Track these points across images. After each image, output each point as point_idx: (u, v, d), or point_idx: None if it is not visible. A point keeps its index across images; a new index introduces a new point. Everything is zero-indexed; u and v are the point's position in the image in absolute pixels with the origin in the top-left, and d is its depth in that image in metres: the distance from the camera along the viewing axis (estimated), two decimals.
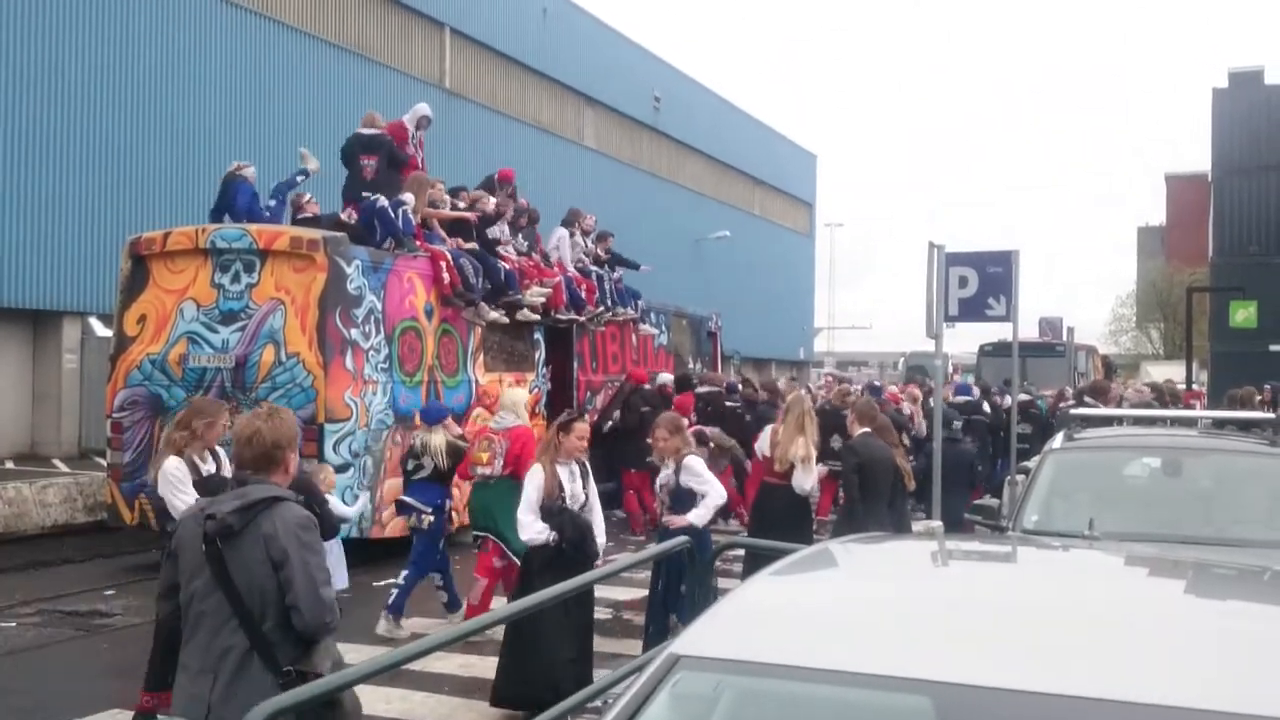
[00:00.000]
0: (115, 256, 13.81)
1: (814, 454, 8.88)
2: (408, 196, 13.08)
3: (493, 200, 14.64)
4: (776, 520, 8.80)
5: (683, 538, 6.35)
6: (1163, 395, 15.56)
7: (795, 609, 2.94)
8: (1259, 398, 15.61)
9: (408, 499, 9.32)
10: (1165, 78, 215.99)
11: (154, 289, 11.88)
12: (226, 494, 4.09)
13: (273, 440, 4.08)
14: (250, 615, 3.87)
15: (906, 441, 13.02)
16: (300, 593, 3.86)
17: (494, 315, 13.55)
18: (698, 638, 2.68)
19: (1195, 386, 26.55)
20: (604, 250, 17.50)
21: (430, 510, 9.08)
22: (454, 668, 7.87)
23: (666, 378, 15.84)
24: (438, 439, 9.30)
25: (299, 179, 13.84)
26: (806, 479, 8.76)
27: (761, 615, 2.87)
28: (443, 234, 13.66)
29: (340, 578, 8.78)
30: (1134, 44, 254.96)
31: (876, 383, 21.56)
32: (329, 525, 5.97)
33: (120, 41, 18.89)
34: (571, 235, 16.52)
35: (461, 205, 14.32)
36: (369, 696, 6.90)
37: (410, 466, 9.39)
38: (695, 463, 7.85)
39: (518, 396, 9.64)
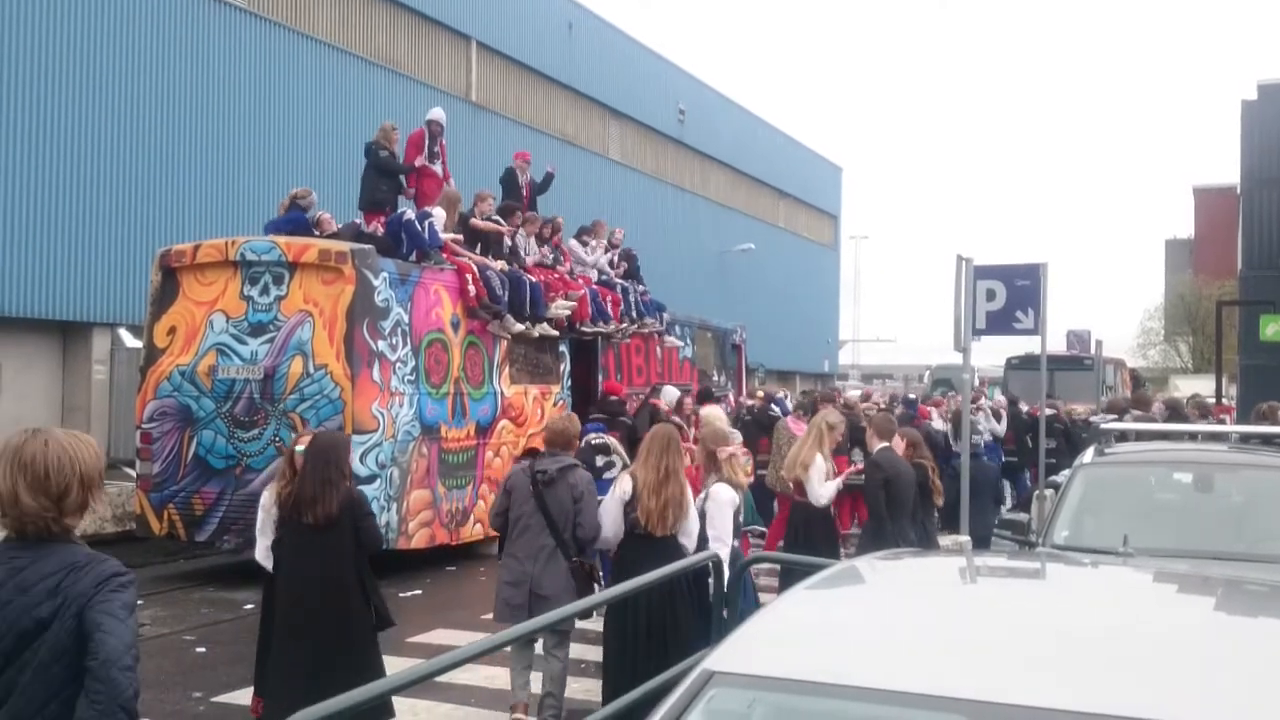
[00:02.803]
0: (145, 268, 13.94)
1: (821, 464, 8.84)
2: (437, 210, 13.15)
3: (536, 222, 14.93)
4: (799, 535, 8.80)
5: (709, 552, 6.34)
6: (1178, 412, 15.37)
7: (829, 626, 2.93)
8: None
9: None
10: (1193, 90, 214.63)
11: (184, 301, 11.97)
12: (547, 459, 6.99)
13: (573, 432, 7.30)
14: (557, 528, 6.79)
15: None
16: (586, 516, 6.79)
17: (519, 328, 13.58)
18: (731, 654, 2.67)
19: (1225, 401, 26.30)
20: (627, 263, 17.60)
21: None
22: (480, 679, 7.87)
23: (672, 394, 15.43)
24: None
25: None
26: (813, 489, 8.77)
27: (795, 632, 2.87)
28: (458, 251, 13.67)
29: None
30: (1162, 57, 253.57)
31: (912, 395, 21.47)
32: (374, 537, 6.25)
33: (151, 53, 19.07)
34: (585, 245, 16.56)
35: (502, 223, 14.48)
36: (397, 707, 6.93)
37: (601, 463, 10.05)
38: (723, 495, 7.09)
39: (719, 412, 10.62)
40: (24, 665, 2.98)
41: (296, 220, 13.11)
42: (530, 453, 13.47)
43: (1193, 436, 8.97)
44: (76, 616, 2.98)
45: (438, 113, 14.68)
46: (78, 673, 2.96)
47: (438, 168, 14.33)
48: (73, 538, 3.12)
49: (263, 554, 6.52)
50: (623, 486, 6.72)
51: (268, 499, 6.46)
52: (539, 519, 6.82)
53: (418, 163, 14.23)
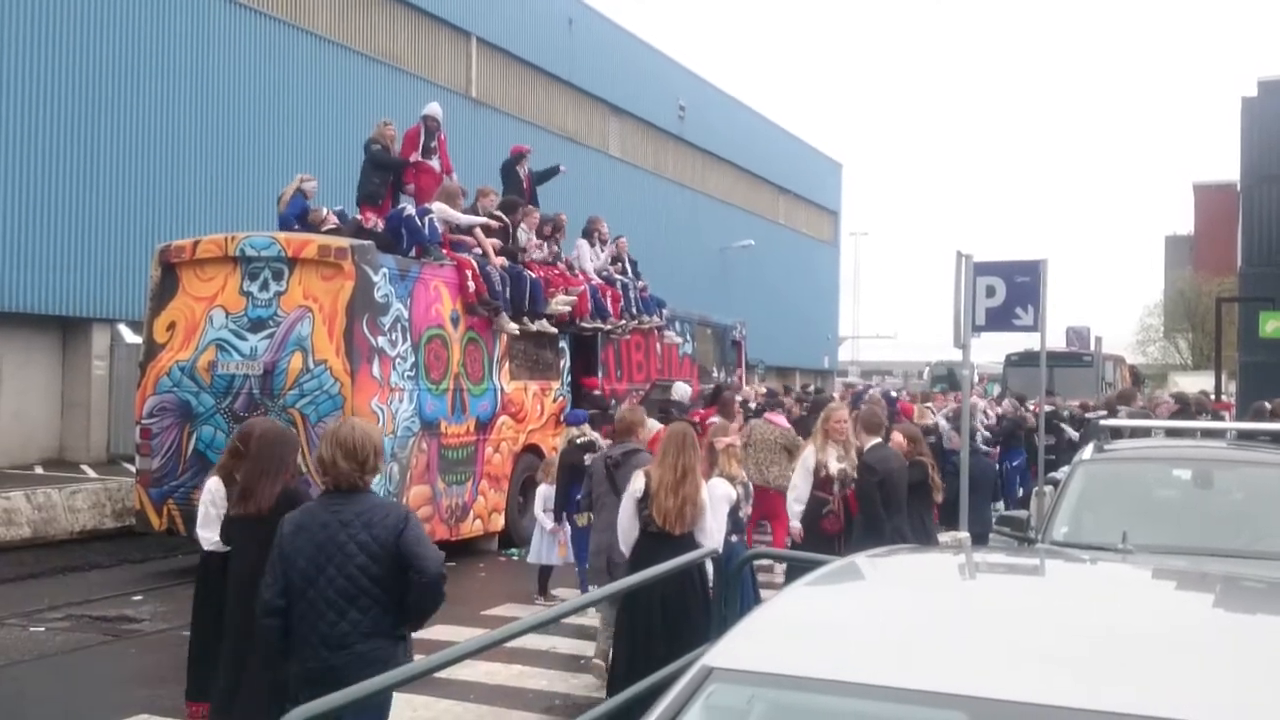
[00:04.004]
0: (144, 264, 13.93)
1: (807, 456, 8.83)
2: (436, 205, 13.13)
3: (536, 215, 14.97)
4: (807, 530, 8.81)
5: (709, 548, 6.34)
6: (1189, 405, 15.38)
7: (828, 622, 2.93)
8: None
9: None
10: (1193, 86, 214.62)
11: (183, 296, 11.96)
12: (616, 446, 8.25)
13: (632, 421, 8.33)
14: None
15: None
16: None
17: (510, 327, 13.44)
18: (731, 650, 2.67)
19: (1224, 398, 26.32)
20: (625, 256, 17.57)
21: None
22: (479, 675, 7.87)
23: (684, 390, 15.31)
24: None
25: None
26: (792, 488, 8.84)
27: (795, 628, 2.87)
28: (483, 241, 13.59)
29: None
30: (1162, 53, 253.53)
31: (893, 393, 21.43)
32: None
33: (150, 49, 19.05)
34: (591, 245, 16.55)
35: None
36: (394, 704, 6.92)
37: (589, 461, 10.07)
38: (718, 490, 7.13)
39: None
40: (348, 575, 4.49)
41: (306, 209, 13.23)
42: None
43: (1193, 433, 8.97)
44: (391, 544, 4.49)
45: (434, 108, 14.64)
46: (385, 581, 4.50)
47: (434, 163, 14.28)
48: (368, 489, 4.70)
49: (209, 543, 6.36)
50: (636, 484, 6.70)
51: (215, 484, 6.37)
52: (611, 497, 7.61)
53: (413, 158, 14.20)
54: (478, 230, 13.58)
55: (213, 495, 6.39)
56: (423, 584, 4.49)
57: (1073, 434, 16.79)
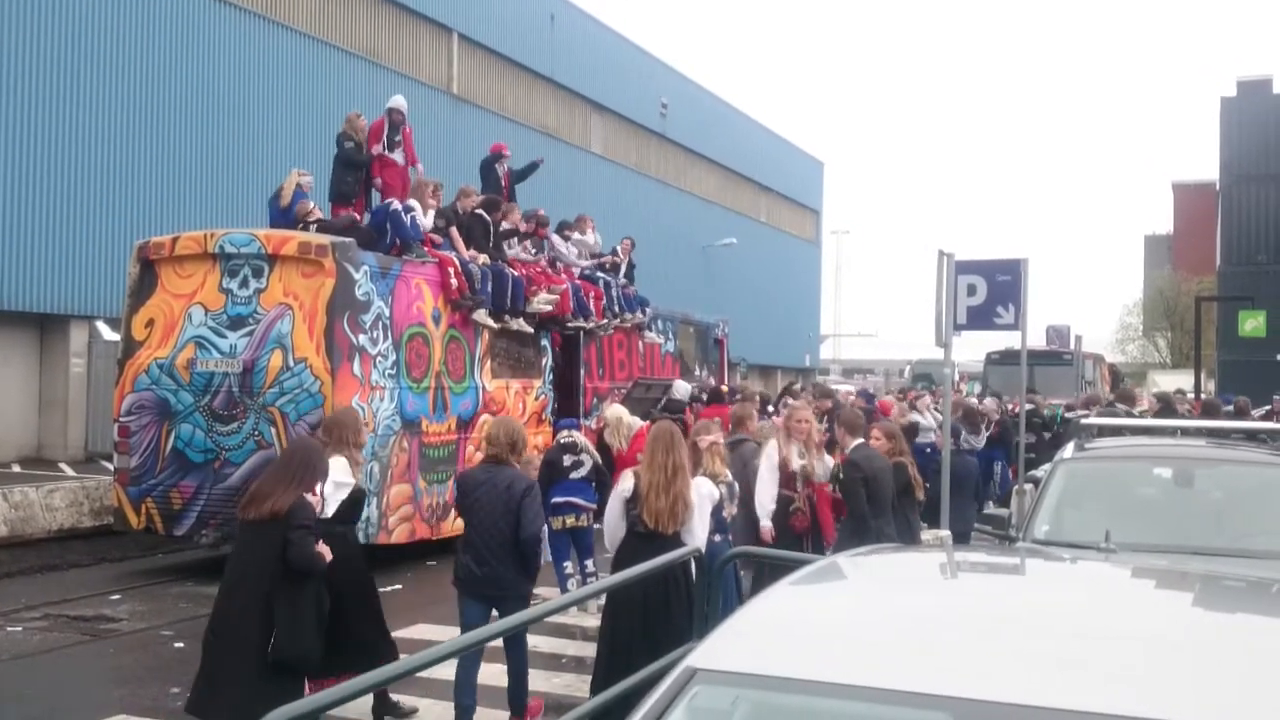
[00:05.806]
0: (123, 260, 13.83)
1: (770, 455, 8.84)
2: (414, 202, 13.07)
3: (517, 213, 14.87)
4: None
5: (691, 547, 6.32)
6: (1169, 404, 15.46)
7: (812, 623, 2.91)
8: (1227, 409, 15.35)
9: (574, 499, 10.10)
10: (1173, 87, 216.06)
11: (162, 293, 11.87)
12: (728, 437, 8.82)
13: (742, 415, 9.83)
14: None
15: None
16: (752, 479, 8.63)
17: (480, 319, 13.36)
18: (715, 651, 2.65)
19: (1203, 396, 26.47)
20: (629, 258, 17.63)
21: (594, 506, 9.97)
22: None
23: (684, 388, 15.21)
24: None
25: None
26: (758, 488, 8.87)
27: (779, 629, 2.85)
28: (456, 240, 13.56)
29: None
30: (1143, 53, 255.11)
31: (870, 391, 21.52)
32: (301, 553, 5.59)
33: (130, 45, 18.93)
34: (567, 239, 16.51)
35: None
36: (376, 703, 6.91)
37: (568, 463, 10.07)
38: (702, 489, 7.00)
39: (622, 410, 11.55)
40: (495, 520, 6.57)
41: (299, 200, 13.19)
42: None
43: (1172, 431, 8.99)
44: (517, 504, 6.53)
45: (398, 100, 14.52)
46: (514, 529, 6.54)
47: (397, 156, 14.18)
48: (511, 465, 6.71)
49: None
50: (624, 484, 6.67)
51: (337, 462, 6.67)
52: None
53: (375, 151, 14.13)
54: (453, 230, 13.52)
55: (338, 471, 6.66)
56: (521, 539, 6.48)
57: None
